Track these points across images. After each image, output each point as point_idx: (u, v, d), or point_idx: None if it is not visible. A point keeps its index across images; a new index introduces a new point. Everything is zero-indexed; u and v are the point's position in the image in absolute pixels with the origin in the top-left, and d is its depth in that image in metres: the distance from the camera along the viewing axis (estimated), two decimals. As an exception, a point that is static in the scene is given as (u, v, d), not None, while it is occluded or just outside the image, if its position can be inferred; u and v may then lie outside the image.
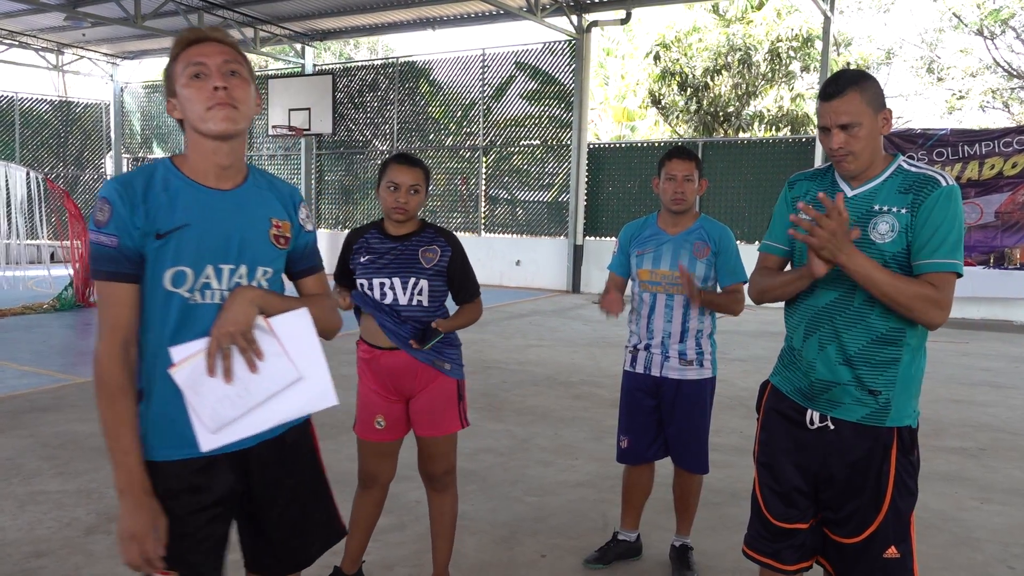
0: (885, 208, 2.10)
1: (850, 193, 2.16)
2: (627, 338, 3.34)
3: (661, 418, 3.22)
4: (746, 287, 2.73)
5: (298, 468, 1.90)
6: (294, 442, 1.88)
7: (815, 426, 2.22)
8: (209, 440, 1.70)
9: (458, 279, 2.82)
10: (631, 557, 3.36)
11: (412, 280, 2.73)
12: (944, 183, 2.05)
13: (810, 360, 2.20)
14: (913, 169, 2.13)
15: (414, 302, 2.74)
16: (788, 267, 2.38)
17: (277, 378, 1.72)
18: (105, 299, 1.68)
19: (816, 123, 2.19)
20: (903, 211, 2.07)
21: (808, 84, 20.07)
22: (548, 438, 5.19)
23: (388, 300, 2.74)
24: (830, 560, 2.29)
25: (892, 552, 2.15)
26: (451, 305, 2.91)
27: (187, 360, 1.66)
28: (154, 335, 1.69)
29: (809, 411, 2.23)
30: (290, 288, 1.93)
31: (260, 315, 1.70)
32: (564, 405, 6.11)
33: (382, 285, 2.74)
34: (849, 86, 2.07)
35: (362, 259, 2.79)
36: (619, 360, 3.38)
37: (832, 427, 2.19)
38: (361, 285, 2.78)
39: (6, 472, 4.34)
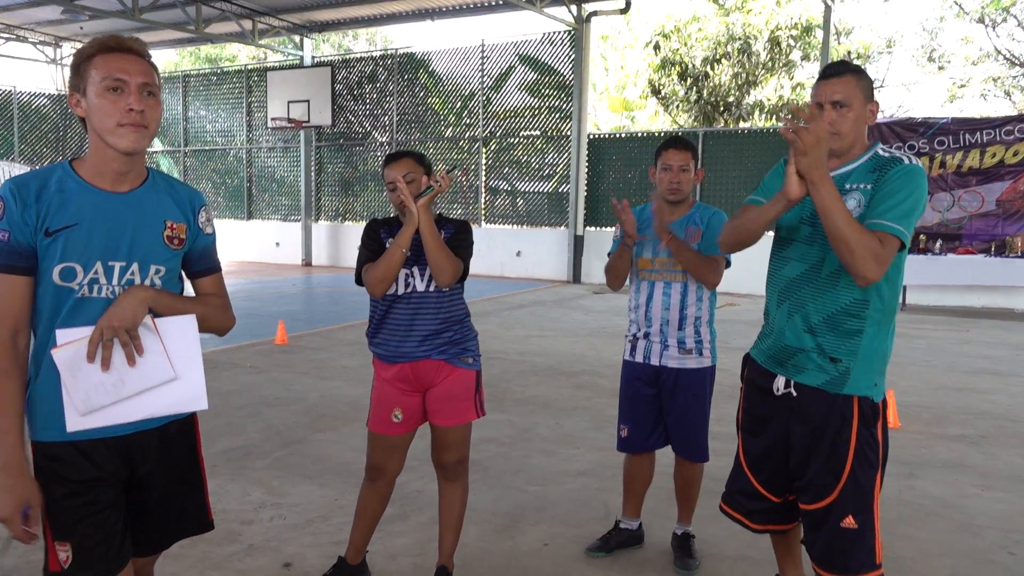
0: (854, 186, 2.24)
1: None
2: (627, 327, 3.34)
3: (661, 407, 3.23)
4: (724, 266, 3.00)
5: (175, 459, 1.99)
6: (175, 433, 1.98)
7: (780, 392, 2.35)
8: (76, 422, 1.79)
9: (452, 245, 2.77)
10: (633, 545, 3.38)
11: (429, 268, 2.73)
12: (908, 162, 2.19)
13: (780, 327, 2.34)
14: (885, 154, 2.27)
15: (432, 287, 2.76)
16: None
17: (153, 375, 1.83)
18: None
19: (811, 102, 2.29)
20: (868, 187, 2.21)
21: (809, 73, 20.01)
22: (549, 428, 5.21)
23: (409, 288, 2.76)
24: (805, 537, 2.40)
25: (849, 522, 2.24)
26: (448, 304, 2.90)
27: (70, 344, 1.76)
28: (45, 324, 1.80)
29: (776, 377, 2.36)
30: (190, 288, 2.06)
31: (149, 315, 1.81)
32: (565, 395, 6.12)
33: (407, 276, 2.77)
34: (848, 71, 2.23)
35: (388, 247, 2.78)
36: (620, 350, 3.38)
37: (795, 393, 2.31)
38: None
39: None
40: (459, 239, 2.81)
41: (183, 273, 2.01)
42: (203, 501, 2.10)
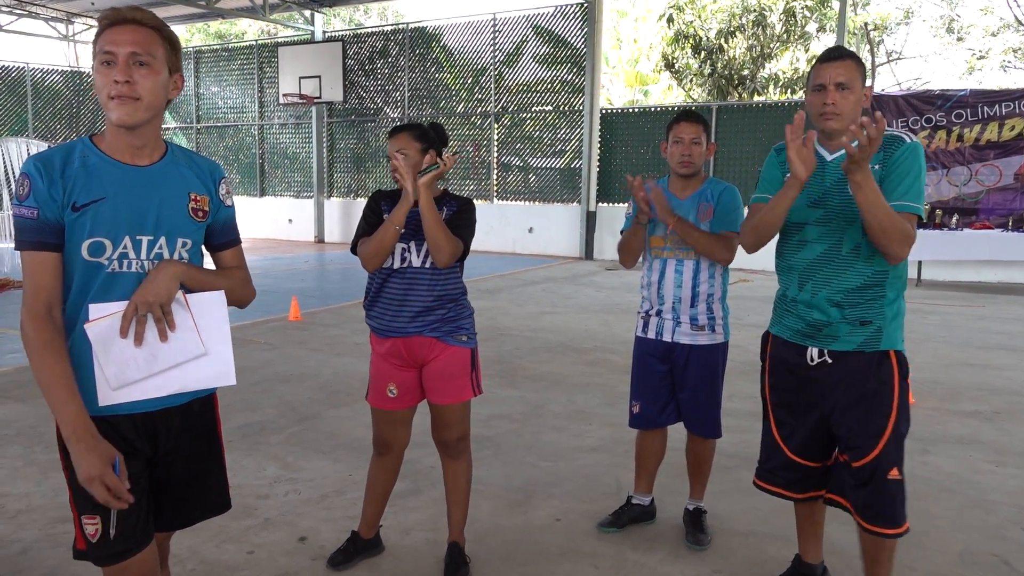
0: None
1: (829, 157, 2.43)
2: (639, 304, 3.33)
3: (673, 383, 3.23)
4: (737, 241, 3.04)
5: (197, 437, 2.01)
6: (198, 411, 2.00)
7: (815, 362, 2.47)
8: (108, 396, 1.81)
9: (452, 224, 2.77)
10: (645, 521, 3.40)
11: (426, 244, 2.72)
12: (908, 140, 2.36)
13: (806, 304, 2.45)
14: (887, 133, 2.37)
15: (428, 264, 2.75)
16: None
17: (184, 350, 1.86)
18: (30, 267, 1.79)
19: (809, 83, 2.42)
20: (876, 167, 2.33)
21: (824, 45, 19.71)
22: (562, 404, 5.22)
23: (405, 263, 2.76)
24: (844, 489, 2.51)
25: (895, 473, 2.40)
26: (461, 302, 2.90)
27: (103, 318, 1.78)
28: (74, 299, 1.81)
29: (809, 349, 2.48)
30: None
31: (180, 290, 1.83)
32: (577, 371, 6.13)
33: (403, 250, 2.76)
34: (848, 55, 2.38)
35: (385, 218, 2.78)
36: (632, 326, 3.38)
37: (830, 360, 2.45)
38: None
39: (29, 440, 4.42)
40: (460, 218, 2.80)
41: (205, 246, 2.02)
42: (223, 481, 2.12)
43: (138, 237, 1.82)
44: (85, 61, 21.18)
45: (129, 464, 1.85)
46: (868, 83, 2.42)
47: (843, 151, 2.30)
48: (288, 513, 3.46)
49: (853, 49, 21.48)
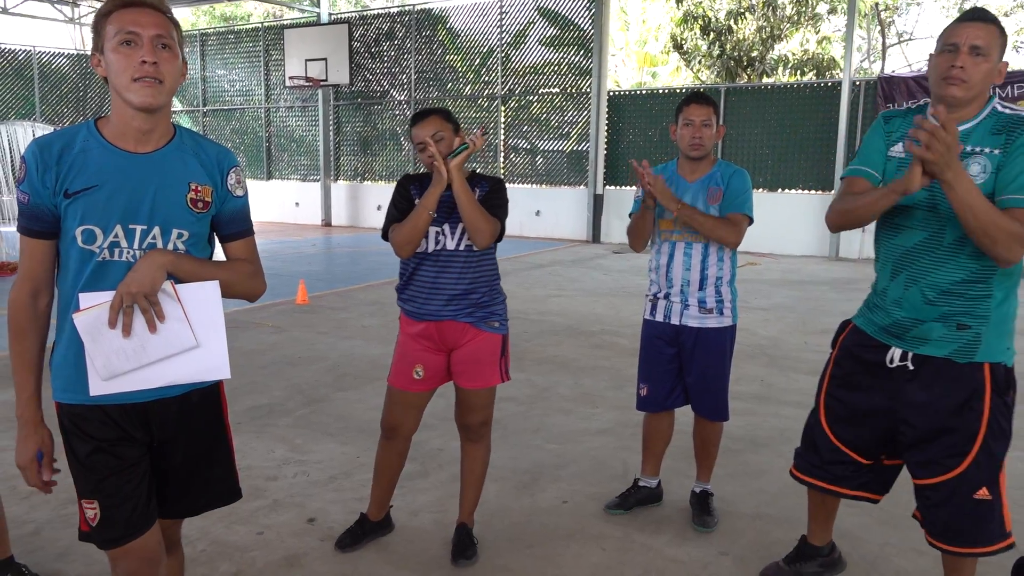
0: (977, 149, 2.10)
1: None
2: (647, 287, 3.33)
3: (681, 366, 3.23)
4: (745, 224, 2.97)
5: (197, 428, 1.98)
6: (197, 402, 1.97)
7: (894, 364, 2.25)
8: (99, 386, 1.80)
9: (488, 204, 2.72)
10: (652, 503, 3.41)
11: (461, 225, 2.69)
12: None
13: (896, 299, 2.22)
14: (1007, 111, 2.13)
15: (462, 246, 2.72)
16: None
17: (174, 342, 1.82)
18: (22, 250, 1.83)
19: (939, 43, 2.13)
20: (996, 152, 2.07)
21: (835, 26, 19.53)
22: (569, 387, 5.23)
23: (439, 246, 2.72)
24: (920, 508, 2.32)
25: (983, 493, 2.17)
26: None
27: (91, 308, 1.76)
28: (70, 285, 1.81)
29: (891, 349, 2.25)
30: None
31: (169, 280, 1.79)
32: (585, 354, 6.14)
33: (437, 234, 2.72)
34: (993, 20, 2.09)
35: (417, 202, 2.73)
36: (639, 309, 3.38)
37: (911, 367, 2.21)
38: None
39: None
40: (494, 198, 2.74)
41: (216, 236, 1.97)
42: (230, 471, 2.09)
43: (131, 226, 1.79)
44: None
45: (124, 450, 1.86)
46: (1005, 60, 2.13)
47: (965, 126, 2.09)
48: (297, 495, 3.49)
49: (861, 31, 21.26)
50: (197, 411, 1.97)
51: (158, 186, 1.81)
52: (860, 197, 2.20)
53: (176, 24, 1.81)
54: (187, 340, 1.82)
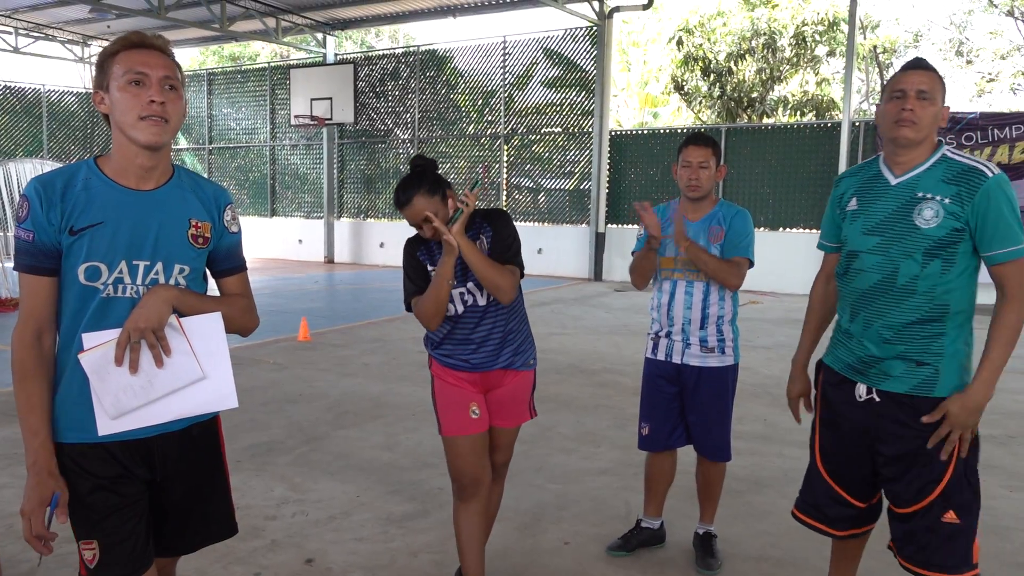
0: (929, 196, 2.22)
1: (893, 181, 2.28)
2: (649, 325, 3.32)
3: (683, 405, 3.21)
4: (746, 267, 3.09)
5: (197, 463, 1.98)
6: (198, 436, 1.97)
7: (862, 399, 2.33)
8: (107, 425, 1.79)
9: (498, 252, 2.60)
10: (654, 544, 3.36)
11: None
12: (989, 173, 2.16)
13: (858, 338, 2.32)
14: (957, 158, 2.24)
15: (492, 299, 2.62)
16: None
17: (182, 375, 1.82)
18: (24, 289, 1.80)
19: (885, 93, 2.30)
20: (947, 200, 2.18)
21: (834, 69, 19.78)
22: (571, 426, 5.20)
23: (469, 304, 2.62)
24: (893, 534, 2.36)
25: (951, 516, 2.23)
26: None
27: (97, 347, 1.76)
28: (69, 324, 1.80)
29: (857, 384, 2.34)
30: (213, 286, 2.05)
31: (174, 314, 1.80)
32: (587, 393, 6.11)
33: (462, 295, 2.61)
34: (932, 68, 2.26)
35: (431, 268, 2.62)
36: (641, 348, 3.37)
37: (878, 399, 2.29)
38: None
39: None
40: (501, 241, 2.61)
41: (207, 272, 2.00)
42: (228, 506, 2.09)
43: (135, 262, 1.80)
44: (100, 83, 21.37)
45: (124, 487, 1.84)
46: (946, 104, 2.28)
47: (911, 174, 2.22)
48: (296, 534, 3.45)
49: (860, 72, 21.53)
50: (198, 445, 1.97)
51: (161, 222, 1.83)
52: (804, 329, 2.66)
53: (179, 66, 1.86)
54: (194, 372, 1.83)
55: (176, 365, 1.81)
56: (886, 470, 2.31)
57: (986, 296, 2.21)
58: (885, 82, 2.52)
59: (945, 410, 2.17)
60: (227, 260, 1.99)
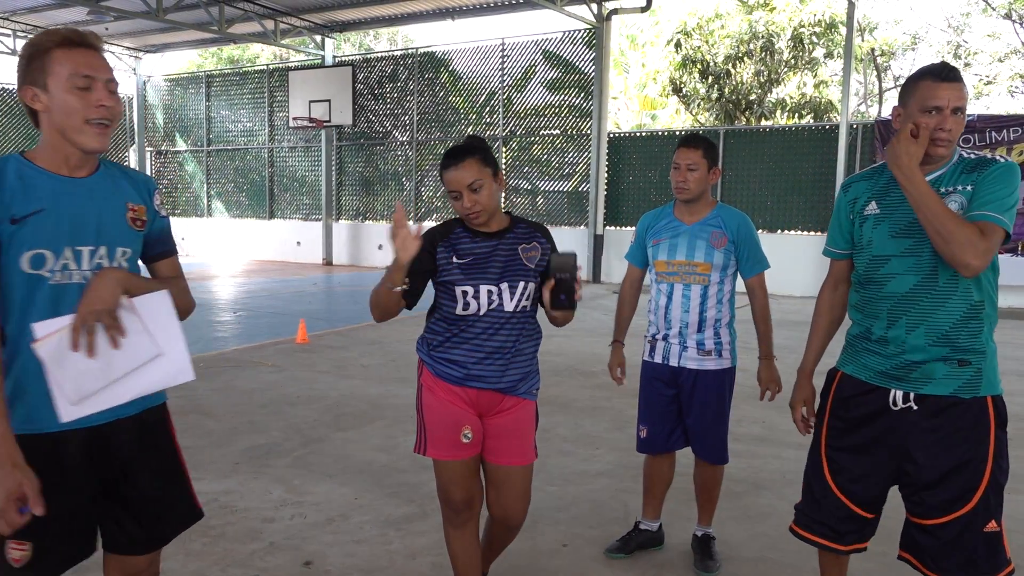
0: (951, 188, 2.20)
1: None
2: (646, 328, 3.33)
3: (681, 408, 3.21)
4: (766, 273, 3.13)
5: (156, 448, 2.01)
6: (153, 422, 2.00)
7: (898, 407, 2.26)
8: (70, 411, 1.79)
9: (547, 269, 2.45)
10: (653, 547, 3.37)
11: (521, 284, 2.41)
12: (1002, 160, 2.20)
13: (899, 343, 2.24)
14: (972, 155, 2.25)
15: (519, 307, 2.42)
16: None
17: (139, 354, 1.85)
18: None
19: (913, 99, 2.19)
20: (968, 188, 2.17)
21: (832, 71, 19.82)
22: (569, 428, 5.20)
23: (494, 306, 2.40)
24: (918, 546, 2.30)
25: (993, 526, 2.21)
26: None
27: (51, 335, 1.76)
28: (16, 316, 1.78)
29: (893, 392, 2.26)
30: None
31: (124, 295, 1.81)
32: (585, 395, 6.11)
33: (490, 293, 2.38)
34: (961, 78, 2.17)
35: (458, 261, 2.40)
36: (639, 350, 3.37)
37: (915, 407, 2.22)
38: (464, 293, 2.39)
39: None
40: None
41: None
42: (188, 489, 2.11)
43: (79, 248, 1.81)
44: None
45: (68, 487, 1.82)
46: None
47: (933, 175, 2.20)
48: (294, 537, 3.45)
49: (858, 75, 21.55)
50: (154, 430, 2.01)
51: (100, 207, 1.86)
52: (811, 335, 2.57)
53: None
54: (150, 350, 1.86)
55: (132, 344, 1.83)
56: (916, 480, 2.25)
57: (1000, 298, 2.19)
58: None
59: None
60: (159, 244, 2.02)
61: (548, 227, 2.62)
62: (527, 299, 2.43)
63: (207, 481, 4.06)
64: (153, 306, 1.87)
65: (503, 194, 2.43)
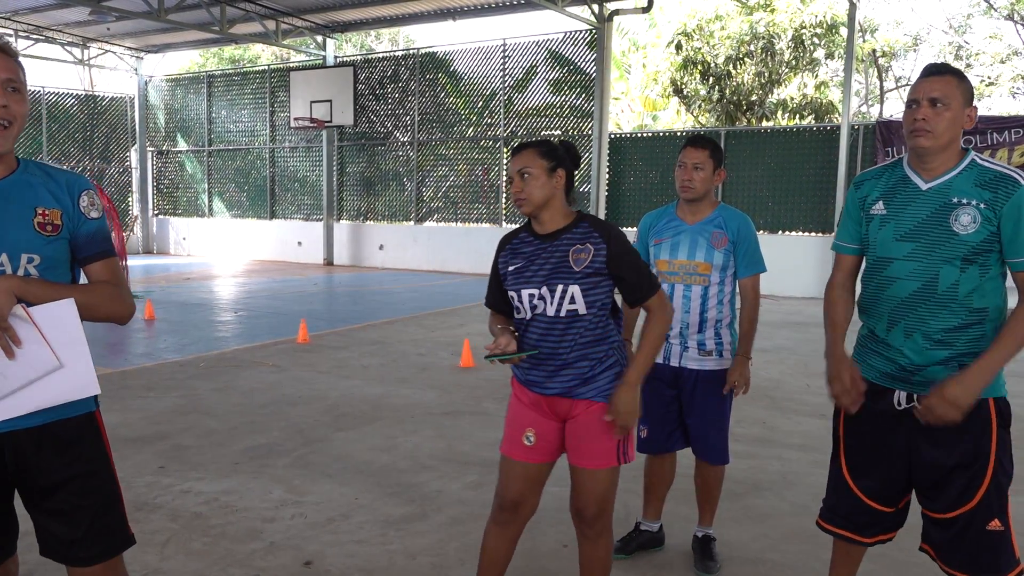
0: (964, 201, 2.19)
1: (924, 187, 2.23)
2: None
3: (681, 408, 3.21)
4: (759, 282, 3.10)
5: (70, 462, 1.91)
6: (67, 436, 1.91)
7: (902, 407, 2.28)
8: None
9: (627, 276, 2.38)
10: (653, 547, 3.36)
11: (560, 287, 2.34)
12: (1023, 182, 2.15)
13: (898, 347, 2.27)
14: (988, 165, 2.22)
15: (563, 312, 2.36)
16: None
17: (36, 365, 1.78)
18: None
19: (905, 101, 2.27)
20: (982, 206, 2.15)
21: (833, 71, 19.82)
22: (569, 428, 5.19)
23: (538, 311, 2.39)
24: (931, 540, 2.35)
25: (996, 524, 2.22)
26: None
27: None
28: None
29: (896, 393, 2.29)
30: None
31: (20, 304, 1.75)
32: (585, 396, 6.09)
33: (531, 296, 2.38)
34: (950, 72, 2.21)
35: (511, 267, 2.44)
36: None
37: (919, 406, 2.22)
38: (512, 298, 2.43)
39: None
40: (628, 264, 2.37)
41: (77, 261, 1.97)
42: (116, 513, 2.00)
43: None
44: (100, 85, 21.43)
45: None
46: (974, 104, 2.23)
47: (942, 179, 2.19)
48: (294, 537, 3.45)
49: (860, 76, 21.54)
50: (66, 446, 1.91)
51: (2, 213, 1.83)
52: (829, 327, 2.46)
53: (22, 67, 1.86)
54: (49, 362, 1.79)
55: (29, 355, 1.77)
56: (923, 477, 2.29)
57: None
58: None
59: (944, 387, 2.12)
60: (88, 247, 1.94)
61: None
62: (572, 303, 2.35)
63: (207, 480, 4.06)
64: (55, 317, 1.78)
65: (562, 193, 2.45)
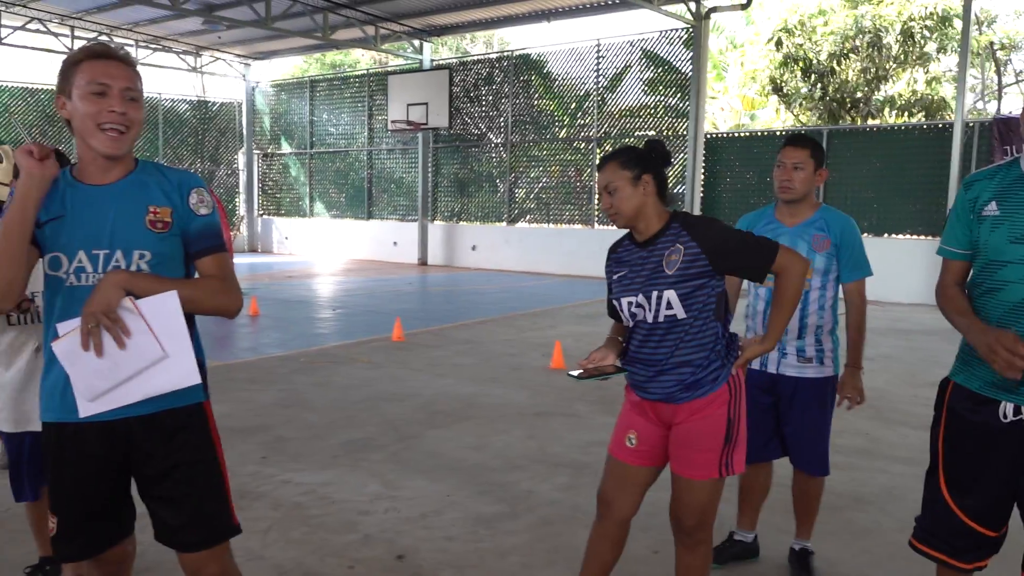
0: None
1: None
2: (743, 333, 3.25)
3: (778, 416, 3.12)
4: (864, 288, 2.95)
5: (177, 451, 2.00)
6: (174, 426, 1.99)
7: (1008, 419, 2.15)
8: (87, 407, 1.90)
9: (740, 263, 2.34)
10: (748, 558, 3.28)
11: (655, 294, 2.33)
12: None
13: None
14: None
15: (661, 317, 2.34)
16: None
17: (144, 355, 1.88)
18: None
19: None
20: None
21: (946, 66, 18.83)
22: (661, 433, 5.12)
23: (638, 318, 2.39)
24: None
25: None
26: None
27: (66, 335, 1.85)
28: (49, 313, 1.94)
29: (1003, 404, 2.15)
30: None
31: (128, 297, 1.84)
32: (678, 400, 6.00)
33: (630, 304, 2.40)
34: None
35: (615, 275, 2.47)
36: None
37: None
38: (614, 306, 2.49)
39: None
40: (731, 251, 2.31)
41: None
42: (221, 504, 2.06)
43: (94, 252, 1.89)
44: (211, 91, 22.49)
45: (88, 471, 1.97)
46: None
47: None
48: (388, 530, 3.53)
49: (975, 70, 20.37)
50: (173, 435, 1.99)
51: (116, 212, 1.93)
52: (958, 316, 2.24)
53: (140, 76, 1.95)
54: (155, 352, 1.88)
55: (138, 346, 1.86)
56: None
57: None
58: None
59: None
60: (197, 242, 2.01)
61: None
62: (670, 308, 2.31)
63: (307, 472, 4.21)
64: (160, 308, 1.86)
65: (653, 198, 2.43)
